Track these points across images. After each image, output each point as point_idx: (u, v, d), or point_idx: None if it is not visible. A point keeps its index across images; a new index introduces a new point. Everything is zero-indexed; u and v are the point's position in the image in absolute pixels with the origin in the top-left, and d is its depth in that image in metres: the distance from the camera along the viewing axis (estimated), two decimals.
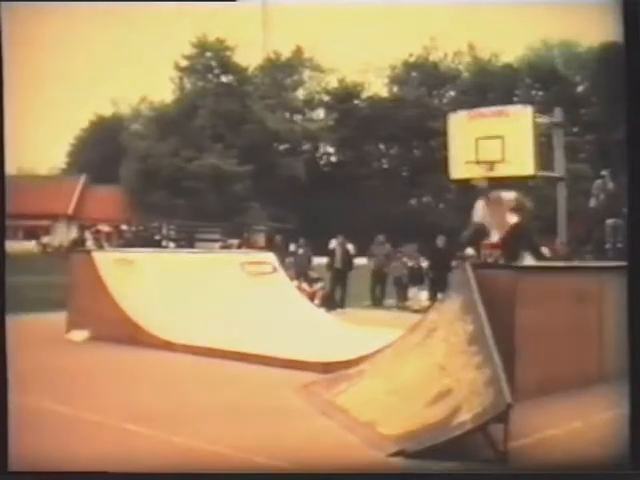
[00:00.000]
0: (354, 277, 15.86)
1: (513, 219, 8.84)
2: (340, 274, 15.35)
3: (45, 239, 36.86)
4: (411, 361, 5.98)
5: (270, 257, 12.13)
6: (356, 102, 45.57)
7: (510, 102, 26.15)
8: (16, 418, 4.54)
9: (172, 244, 27.74)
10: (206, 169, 38.55)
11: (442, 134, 17.77)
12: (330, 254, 15.93)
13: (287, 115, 45.47)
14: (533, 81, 42.59)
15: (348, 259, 15.84)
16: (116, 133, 43.84)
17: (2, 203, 4.51)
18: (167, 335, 8.96)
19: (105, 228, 29.29)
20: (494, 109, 16.19)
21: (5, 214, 4.54)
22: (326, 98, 46.65)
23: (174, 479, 4.31)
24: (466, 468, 4.48)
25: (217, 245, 24.93)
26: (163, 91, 57.99)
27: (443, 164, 17.23)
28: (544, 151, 16.02)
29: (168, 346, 8.69)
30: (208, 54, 43.27)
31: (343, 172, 43.08)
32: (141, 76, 61.79)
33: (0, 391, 4.42)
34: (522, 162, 15.29)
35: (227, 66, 43.31)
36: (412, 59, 45.77)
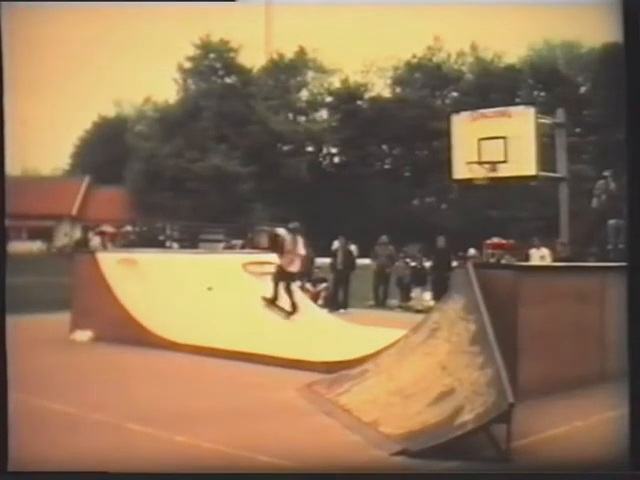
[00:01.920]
0: (357, 278, 15.87)
1: None
2: (343, 275, 15.36)
3: (59, 242, 36.79)
4: (413, 361, 5.99)
5: (273, 258, 12.14)
6: (359, 103, 45.54)
7: (512, 103, 26.13)
8: (19, 418, 4.55)
9: (176, 245, 27.75)
10: (210, 170, 38.55)
11: (445, 135, 17.79)
12: (333, 255, 15.93)
13: (290, 116, 45.46)
14: (535, 82, 42.54)
15: (351, 260, 15.84)
16: (120, 134, 43.90)
17: (2, 203, 4.53)
18: (171, 335, 8.97)
19: (109, 229, 29.25)
20: (496, 110, 16.20)
21: (5, 214, 4.57)
22: (329, 99, 46.62)
23: (176, 479, 4.34)
24: (468, 468, 4.50)
25: (220, 245, 24.92)
26: (167, 92, 58.13)
27: (446, 165, 17.25)
28: (546, 152, 16.02)
29: (172, 346, 8.69)
30: (212, 55, 43.31)
31: (346, 173, 43.05)
32: (145, 77, 61.88)
33: (0, 391, 4.44)
34: (524, 162, 15.30)
35: (231, 67, 43.33)
36: (415, 60, 45.74)
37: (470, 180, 16.34)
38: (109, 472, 4.26)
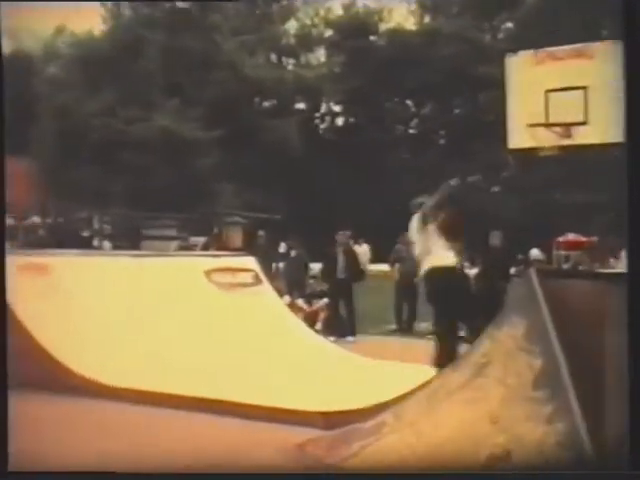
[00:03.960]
0: (370, 291, 15.93)
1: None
2: (343, 286, 15.38)
3: None
4: (451, 411, 6.03)
5: (250, 262, 12.19)
6: (372, 38, 45.73)
7: (596, 37, 26.20)
8: None
9: (107, 243, 27.81)
10: (156, 135, 38.56)
11: (496, 85, 17.84)
12: (332, 257, 15.89)
13: (273, 58, 45.56)
14: None
15: (355, 264, 15.89)
16: (21, 80, 43.83)
17: (2, 203, 5.68)
18: (103, 376, 9.00)
19: (7, 219, 29.31)
20: (572, 48, 16.22)
21: (5, 213, 5.81)
22: (328, 33, 46.77)
23: (177, 479, 5.27)
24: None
25: (173, 245, 25.00)
26: (89, 19, 57.92)
27: (497, 128, 17.30)
28: None
29: (105, 392, 8.72)
30: None
31: (354, 140, 43.20)
32: None
33: (0, 391, 5.49)
34: (611, 125, 15.35)
35: None
36: None
37: (533, 150, 16.36)
38: (111, 472, 5.07)
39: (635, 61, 5.38)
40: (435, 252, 9.34)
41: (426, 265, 9.38)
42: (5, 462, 5.42)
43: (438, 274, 9.24)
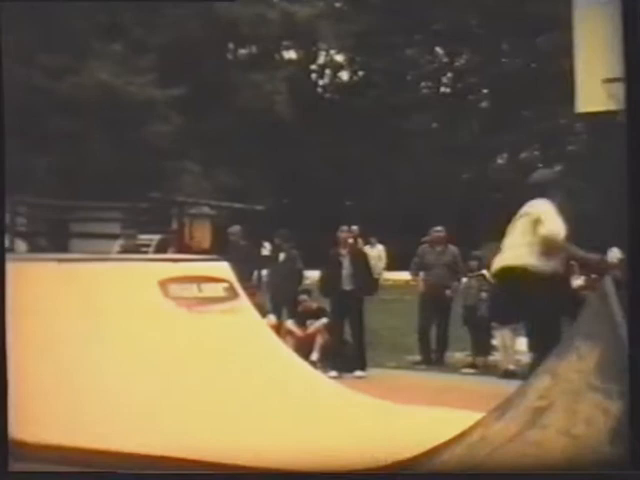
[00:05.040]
0: (385, 307, 15.97)
1: None
2: (354, 301, 15.42)
3: None
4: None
5: (222, 269, 12.21)
6: None
7: None
8: None
9: (22, 243, 27.82)
10: (92, 92, 38.41)
11: (560, 26, 17.88)
12: (334, 262, 15.90)
13: None
14: None
15: (369, 272, 15.92)
16: None
17: (2, 203, 7.35)
18: (18, 430, 8.98)
19: None
20: None
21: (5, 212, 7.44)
22: None
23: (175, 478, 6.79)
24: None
25: (116, 245, 25.00)
26: None
27: (562, 86, 17.37)
28: None
29: (20, 450, 8.71)
30: None
31: (364, 103, 43.14)
32: None
33: (0, 390, 7.06)
34: None
35: None
36: None
37: (611, 115, 16.45)
38: (111, 472, 6.42)
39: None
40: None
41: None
42: (5, 462, 7.07)
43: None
